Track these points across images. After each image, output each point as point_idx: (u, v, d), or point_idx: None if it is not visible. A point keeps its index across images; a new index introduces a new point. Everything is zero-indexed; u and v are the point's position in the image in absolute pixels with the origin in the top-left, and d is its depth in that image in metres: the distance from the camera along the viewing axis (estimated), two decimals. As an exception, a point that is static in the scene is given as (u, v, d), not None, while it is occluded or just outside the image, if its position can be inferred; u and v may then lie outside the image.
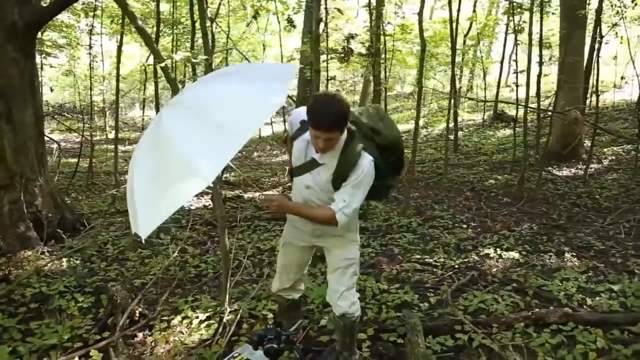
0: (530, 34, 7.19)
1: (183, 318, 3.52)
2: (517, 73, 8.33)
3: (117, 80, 7.44)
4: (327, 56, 7.84)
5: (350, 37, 5.91)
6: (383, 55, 10.13)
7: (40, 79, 11.99)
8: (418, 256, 4.82)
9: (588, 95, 9.70)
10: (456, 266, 4.53)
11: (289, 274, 2.95)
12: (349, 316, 2.70)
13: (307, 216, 2.56)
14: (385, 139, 2.48)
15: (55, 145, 10.11)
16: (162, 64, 2.94)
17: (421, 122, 16.43)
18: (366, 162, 2.37)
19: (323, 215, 2.45)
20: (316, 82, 3.95)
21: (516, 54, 13.40)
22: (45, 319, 3.54)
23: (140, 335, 3.38)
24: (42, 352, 3.13)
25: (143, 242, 1.91)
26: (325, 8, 7.68)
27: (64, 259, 4.57)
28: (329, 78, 9.39)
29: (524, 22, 9.24)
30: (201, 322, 3.47)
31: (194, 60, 3.39)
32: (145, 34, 3.42)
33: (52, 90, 14.49)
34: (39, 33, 9.42)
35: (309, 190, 2.55)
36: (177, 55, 3.33)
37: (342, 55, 5.63)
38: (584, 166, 8.33)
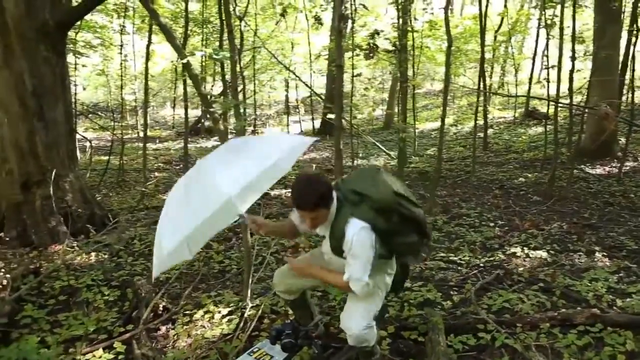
0: (561, 28, 6.99)
1: (205, 312, 3.56)
2: (547, 68, 8.11)
3: (146, 78, 7.57)
4: (353, 53, 7.77)
5: (375, 32, 5.84)
6: (411, 52, 10.03)
7: (73, 79, 12.34)
8: (443, 254, 4.76)
9: (624, 91, 9.41)
10: (481, 265, 4.45)
11: (288, 285, 2.90)
12: (362, 341, 2.55)
13: (327, 282, 2.68)
14: (377, 202, 2.38)
15: (88, 144, 10.38)
16: (184, 60, 2.97)
17: (450, 120, 16.29)
18: (353, 230, 2.33)
19: (339, 283, 2.46)
20: (339, 77, 3.92)
21: (548, 49, 13.09)
22: (73, 311, 3.64)
23: (163, 328, 3.44)
24: (68, 343, 3.22)
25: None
26: (352, 4, 7.63)
27: (92, 254, 4.68)
28: (354, 75, 9.32)
29: (556, 15, 9.00)
30: (223, 316, 3.50)
31: (215, 57, 3.42)
32: (166, 31, 3.47)
33: (84, 89, 14.83)
34: (73, 33, 9.69)
35: (327, 257, 2.66)
36: (198, 52, 3.36)
37: (367, 51, 5.57)
38: (619, 164, 8.08)
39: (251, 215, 2.54)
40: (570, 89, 7.54)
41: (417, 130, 13.56)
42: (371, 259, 2.36)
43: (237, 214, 2.39)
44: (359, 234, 2.33)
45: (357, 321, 2.49)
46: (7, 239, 4.86)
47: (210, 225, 2.37)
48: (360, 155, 11.71)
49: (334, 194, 2.43)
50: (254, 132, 13.53)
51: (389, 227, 2.41)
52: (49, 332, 3.34)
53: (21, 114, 4.80)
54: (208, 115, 3.18)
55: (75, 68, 12.52)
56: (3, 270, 4.14)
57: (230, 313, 3.55)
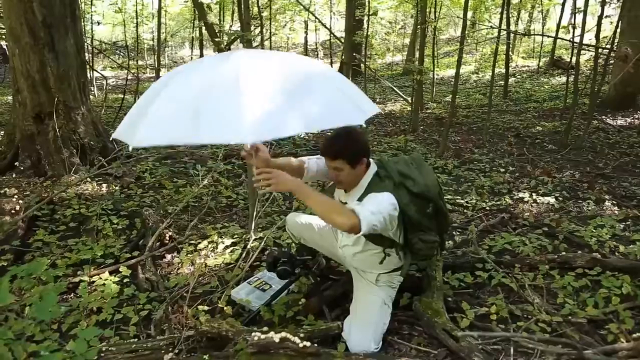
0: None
1: (209, 243, 3.64)
2: (574, 13, 7.78)
3: (159, 14, 7.45)
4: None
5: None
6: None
7: (88, 15, 12.20)
8: (449, 196, 4.75)
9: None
10: (487, 208, 4.44)
11: (303, 236, 2.91)
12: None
13: (322, 210, 2.16)
14: (416, 185, 2.31)
15: (104, 81, 10.40)
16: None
17: (472, 67, 15.88)
18: (386, 192, 2.25)
19: (341, 216, 2.11)
20: (350, 9, 3.81)
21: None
22: (83, 237, 3.75)
23: (168, 256, 3.54)
24: (77, 266, 3.34)
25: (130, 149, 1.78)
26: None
27: (104, 185, 4.77)
28: (370, 13, 9.06)
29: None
30: (226, 247, 3.59)
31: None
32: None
33: (99, 24, 14.69)
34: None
35: (343, 249, 2.58)
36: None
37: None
38: (641, 115, 7.86)
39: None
40: (598, 34, 7.24)
41: (436, 77, 13.27)
42: (388, 214, 2.19)
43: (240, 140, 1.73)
44: (389, 195, 2.25)
45: (366, 345, 2.35)
46: (22, 168, 4.98)
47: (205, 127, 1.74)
48: (378, 100, 11.56)
49: (372, 162, 2.41)
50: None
51: (419, 218, 2.34)
52: (60, 256, 3.47)
53: (32, 45, 4.79)
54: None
55: (92, 3, 12.39)
56: (17, 196, 4.27)
57: (233, 244, 3.63)
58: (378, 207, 2.17)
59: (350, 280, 2.84)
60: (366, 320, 2.45)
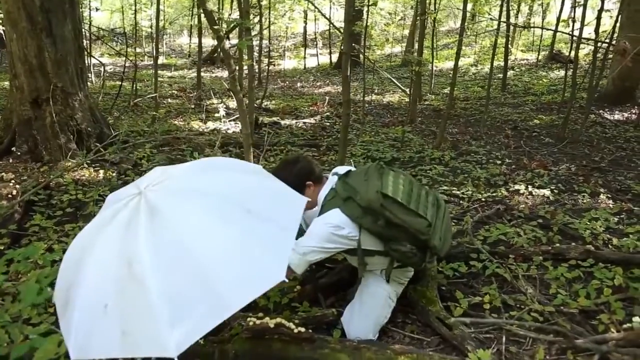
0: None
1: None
2: (574, 7, 7.76)
3: (158, 1, 7.41)
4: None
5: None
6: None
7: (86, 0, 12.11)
8: (446, 187, 4.77)
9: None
10: (483, 199, 4.47)
11: None
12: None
13: None
14: (362, 199, 2.27)
15: (102, 68, 10.36)
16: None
17: (471, 60, 15.87)
18: (331, 211, 2.33)
19: None
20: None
21: (579, -12, 12.46)
22: (80, 223, 3.76)
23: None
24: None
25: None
26: None
27: (101, 171, 4.77)
28: (369, 3, 9.03)
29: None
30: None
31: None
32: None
33: (97, 10, 14.60)
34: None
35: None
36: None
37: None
38: (639, 111, 7.86)
39: None
40: (597, 28, 7.23)
41: (435, 69, 13.26)
42: (326, 239, 2.28)
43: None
44: (330, 215, 2.32)
45: (365, 336, 2.43)
46: (19, 153, 4.97)
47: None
48: (376, 91, 11.56)
49: (331, 177, 2.50)
50: (269, 65, 13.31)
51: (377, 230, 2.29)
52: (56, 241, 3.48)
53: (29, 29, 4.76)
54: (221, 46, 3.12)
55: (90, -11, 12.31)
56: (14, 181, 4.27)
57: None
58: (310, 241, 2.29)
59: (345, 268, 2.87)
60: (369, 311, 2.48)
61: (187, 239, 1.72)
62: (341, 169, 2.61)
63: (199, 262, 1.68)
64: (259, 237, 1.85)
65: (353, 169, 2.59)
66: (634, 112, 8.44)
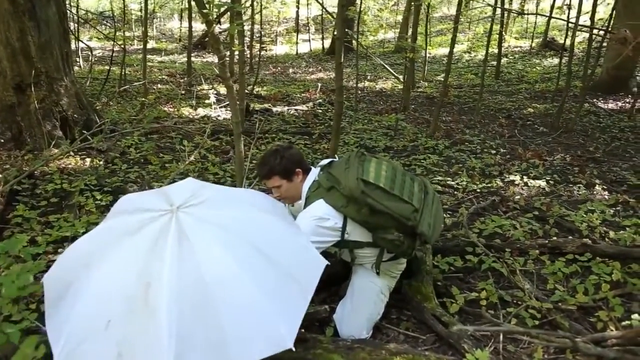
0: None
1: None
2: (571, -7, 7.66)
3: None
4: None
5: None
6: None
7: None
8: (440, 178, 4.70)
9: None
10: (478, 190, 4.40)
11: None
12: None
13: None
14: (343, 189, 2.23)
15: (90, 53, 10.11)
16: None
17: (464, 47, 15.74)
18: (316, 202, 2.30)
19: None
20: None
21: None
22: (64, 213, 3.64)
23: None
24: (58, 243, 3.24)
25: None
26: None
27: (87, 159, 4.65)
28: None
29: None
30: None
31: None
32: None
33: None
34: None
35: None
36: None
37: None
38: (632, 100, 7.81)
39: None
40: (593, 16, 7.13)
41: (428, 55, 13.13)
42: (311, 233, 2.20)
43: None
44: (315, 206, 2.29)
45: (358, 333, 2.39)
46: (2, 140, 4.83)
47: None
48: (368, 77, 11.43)
49: (314, 169, 2.47)
50: (261, 50, 13.11)
51: (362, 218, 2.24)
52: (40, 233, 3.37)
53: (11, 11, 4.57)
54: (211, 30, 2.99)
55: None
56: (-4, 170, 4.14)
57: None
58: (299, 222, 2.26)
59: (338, 263, 2.79)
60: (361, 308, 2.42)
61: (210, 281, 1.59)
62: (325, 162, 2.55)
63: (217, 312, 1.56)
64: (280, 298, 1.70)
65: (337, 159, 2.53)
66: (627, 101, 8.41)
